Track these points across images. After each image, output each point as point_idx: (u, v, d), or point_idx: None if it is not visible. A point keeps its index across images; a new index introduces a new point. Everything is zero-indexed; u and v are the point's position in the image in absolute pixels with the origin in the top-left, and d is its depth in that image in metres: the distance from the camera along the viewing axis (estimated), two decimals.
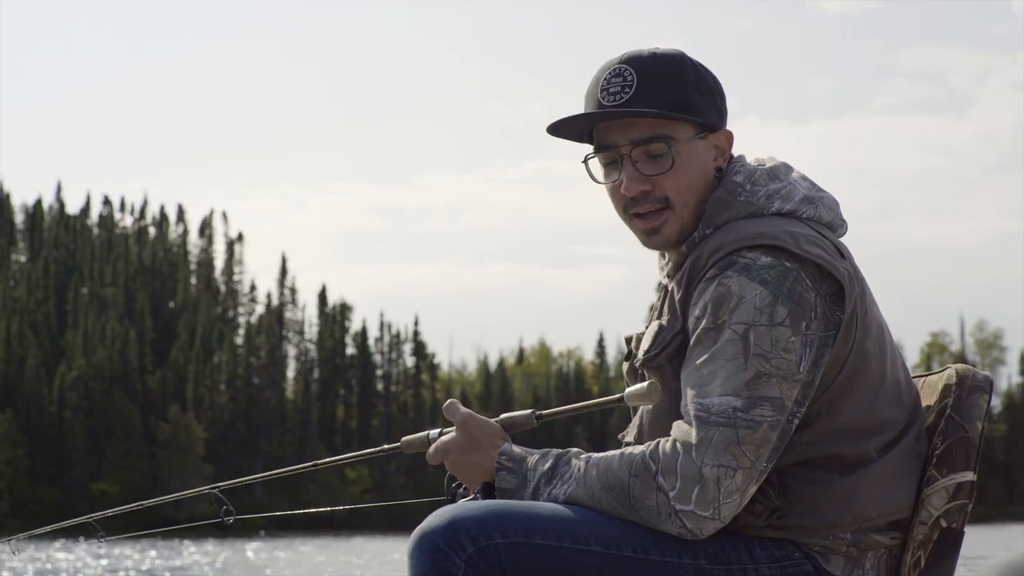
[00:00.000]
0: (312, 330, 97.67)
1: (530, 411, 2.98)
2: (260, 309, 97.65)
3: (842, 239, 2.98)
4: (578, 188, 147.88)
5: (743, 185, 2.92)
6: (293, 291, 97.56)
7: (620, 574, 2.71)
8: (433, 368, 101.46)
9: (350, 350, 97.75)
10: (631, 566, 2.71)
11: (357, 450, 3.63)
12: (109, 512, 3.75)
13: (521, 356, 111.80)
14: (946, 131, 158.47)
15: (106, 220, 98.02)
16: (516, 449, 2.89)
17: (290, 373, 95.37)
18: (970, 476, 2.90)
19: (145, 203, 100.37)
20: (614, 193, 2.98)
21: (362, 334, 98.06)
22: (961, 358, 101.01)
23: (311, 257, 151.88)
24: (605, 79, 2.94)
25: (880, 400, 2.85)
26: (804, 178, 2.98)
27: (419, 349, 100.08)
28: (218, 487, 3.46)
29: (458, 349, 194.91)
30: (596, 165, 3.02)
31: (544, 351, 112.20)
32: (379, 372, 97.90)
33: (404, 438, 3.14)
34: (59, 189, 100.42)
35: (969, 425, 2.92)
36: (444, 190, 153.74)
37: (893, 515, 2.84)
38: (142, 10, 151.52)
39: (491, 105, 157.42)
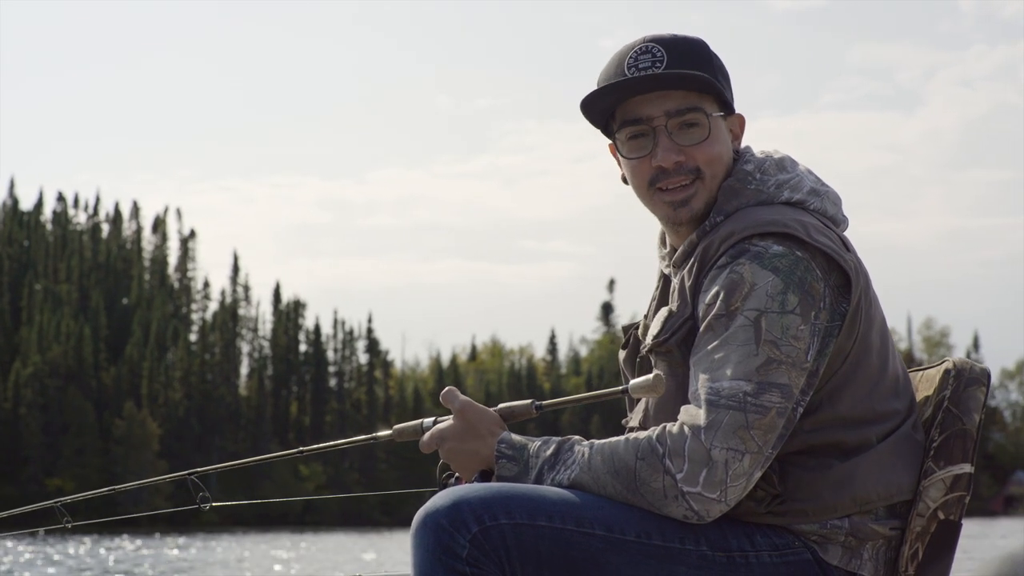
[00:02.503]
0: (266, 327, 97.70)
1: (529, 401, 2.97)
2: (214, 306, 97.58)
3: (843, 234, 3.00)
4: (527, 183, 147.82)
5: (753, 174, 2.95)
6: (246, 288, 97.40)
7: (623, 558, 2.72)
8: (386, 365, 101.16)
9: (304, 347, 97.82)
10: (634, 550, 2.72)
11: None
12: (76, 497, 3.72)
13: (474, 353, 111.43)
14: (894, 128, 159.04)
15: (60, 217, 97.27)
16: (516, 437, 2.89)
17: (243, 370, 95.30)
18: (968, 468, 2.91)
19: (98, 200, 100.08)
20: (639, 168, 2.97)
21: (316, 331, 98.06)
22: (908, 356, 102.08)
23: (258, 251, 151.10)
24: (632, 57, 2.94)
25: (880, 391, 2.88)
26: (810, 172, 3.01)
27: (372, 346, 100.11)
28: (194, 473, 3.46)
29: (411, 346, 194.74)
30: (619, 147, 3.02)
31: (496, 348, 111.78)
32: (332, 369, 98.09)
33: (396, 426, 3.10)
34: (12, 185, 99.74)
35: (967, 418, 2.95)
36: (392, 185, 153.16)
37: (893, 498, 2.86)
38: (93, 8, 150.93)
39: (439, 100, 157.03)
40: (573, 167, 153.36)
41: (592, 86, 3.02)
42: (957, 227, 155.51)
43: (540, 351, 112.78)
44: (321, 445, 3.26)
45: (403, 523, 76.07)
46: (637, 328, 3.12)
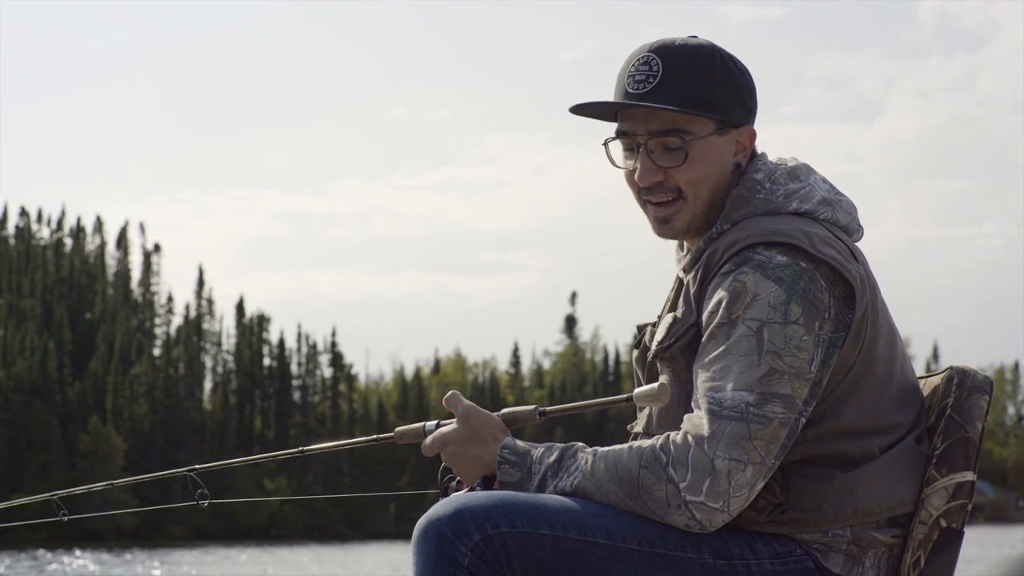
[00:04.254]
0: (230, 341, 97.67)
1: (533, 407, 2.95)
2: (178, 320, 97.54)
3: (858, 244, 3.00)
4: (486, 195, 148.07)
5: (762, 183, 2.92)
6: (210, 302, 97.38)
7: (625, 566, 2.71)
8: (350, 379, 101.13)
9: (268, 361, 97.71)
10: (636, 559, 2.71)
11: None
12: (72, 491, 3.75)
13: (437, 366, 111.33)
14: (853, 139, 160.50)
15: (23, 231, 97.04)
16: (519, 443, 2.86)
17: (208, 384, 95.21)
18: (970, 476, 2.89)
19: (62, 214, 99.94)
20: (629, 179, 2.98)
21: (280, 345, 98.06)
22: None
23: (218, 263, 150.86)
24: (634, 65, 2.93)
25: (885, 403, 2.87)
26: (824, 181, 2.98)
27: (336, 360, 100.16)
28: (194, 469, 3.45)
29: (375, 359, 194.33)
30: (616, 147, 3.01)
31: (459, 361, 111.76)
32: (296, 383, 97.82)
33: (397, 428, 3.09)
34: None
35: (969, 425, 2.92)
36: (350, 198, 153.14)
37: (894, 510, 2.84)
38: (52, 23, 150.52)
39: (398, 112, 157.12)
40: (533, 179, 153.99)
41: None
42: (916, 237, 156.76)
43: (503, 364, 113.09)
44: (323, 445, 3.26)
45: (367, 536, 76.23)
46: (650, 328, 3.09)
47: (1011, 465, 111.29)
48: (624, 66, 2.95)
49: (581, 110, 2.97)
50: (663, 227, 2.95)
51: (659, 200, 2.93)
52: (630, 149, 2.96)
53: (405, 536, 73.02)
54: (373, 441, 3.16)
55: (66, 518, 3.73)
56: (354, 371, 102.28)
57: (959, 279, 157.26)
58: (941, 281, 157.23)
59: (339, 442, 3.24)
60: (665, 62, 2.90)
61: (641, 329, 3.09)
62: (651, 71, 2.90)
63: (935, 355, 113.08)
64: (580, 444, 2.85)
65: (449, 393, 2.95)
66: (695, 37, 2.99)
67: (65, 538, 66.53)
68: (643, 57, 2.92)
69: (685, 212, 2.93)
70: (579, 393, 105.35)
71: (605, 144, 3.00)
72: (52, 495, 3.73)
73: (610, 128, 3.03)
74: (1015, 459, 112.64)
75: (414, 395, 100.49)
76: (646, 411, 3.00)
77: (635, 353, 3.08)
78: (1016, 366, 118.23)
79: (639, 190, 2.96)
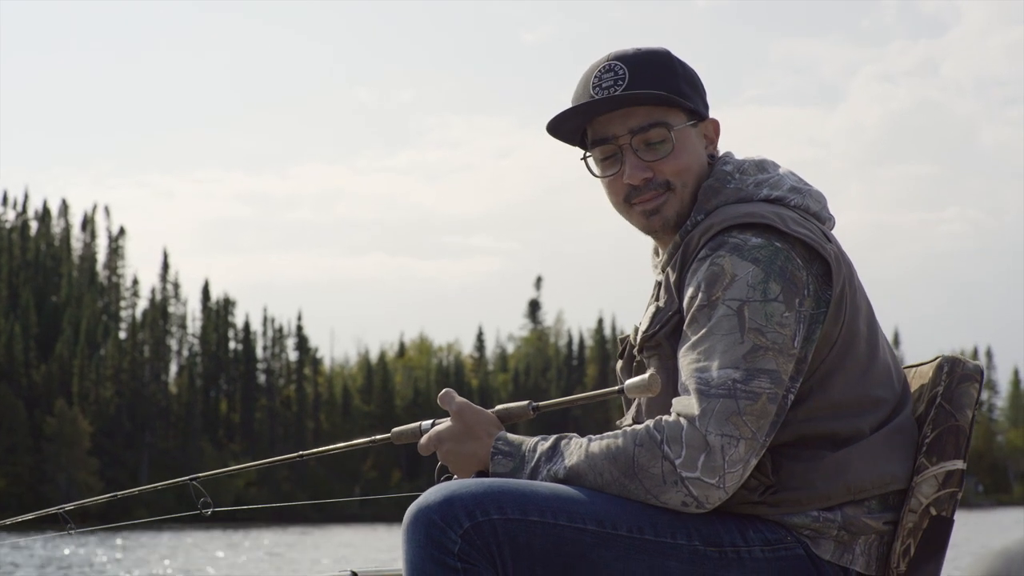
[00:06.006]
0: (195, 324, 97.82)
1: (527, 402, 2.96)
2: (143, 303, 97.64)
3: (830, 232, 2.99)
4: (450, 178, 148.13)
5: (732, 174, 2.95)
6: (176, 286, 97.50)
7: (614, 552, 2.70)
8: (316, 362, 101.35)
9: (233, 344, 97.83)
10: (625, 545, 2.70)
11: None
12: (83, 503, 3.74)
13: (402, 350, 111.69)
14: (816, 123, 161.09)
15: None
16: (512, 436, 2.87)
17: (173, 367, 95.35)
18: (960, 464, 2.90)
19: (27, 197, 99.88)
20: (613, 185, 2.98)
21: (245, 329, 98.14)
22: None
23: (181, 245, 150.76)
24: (596, 76, 2.95)
25: (871, 378, 2.86)
26: (792, 173, 3.01)
27: (302, 344, 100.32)
28: (196, 478, 3.47)
29: (340, 343, 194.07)
30: (592, 163, 3.03)
31: (425, 345, 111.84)
32: (261, 366, 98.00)
33: (394, 429, 3.09)
34: None
35: (959, 414, 2.93)
36: (313, 180, 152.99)
37: (887, 486, 2.84)
38: (15, 4, 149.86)
39: (361, 94, 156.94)
40: (496, 162, 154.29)
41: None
42: (878, 222, 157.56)
43: (468, 348, 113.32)
44: (321, 449, 3.27)
45: (333, 518, 76.48)
46: (633, 329, 3.10)
47: (971, 450, 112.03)
48: (582, 84, 2.99)
49: (556, 127, 3.00)
50: (653, 218, 2.97)
51: (649, 196, 2.95)
52: (610, 156, 2.98)
53: (370, 519, 73.41)
54: (370, 443, 3.17)
55: (73, 532, 3.77)
56: (319, 355, 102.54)
57: (921, 263, 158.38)
58: (903, 265, 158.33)
59: (338, 445, 3.24)
60: (629, 66, 2.94)
61: (623, 341, 3.12)
62: (617, 76, 2.93)
63: (896, 340, 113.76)
64: (573, 434, 2.86)
65: (443, 391, 2.96)
66: (640, 46, 3.03)
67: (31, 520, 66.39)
68: (605, 65, 2.96)
69: (673, 202, 2.95)
70: (543, 377, 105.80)
71: (584, 159, 3.04)
72: (59, 508, 3.77)
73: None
74: (976, 444, 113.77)
75: (379, 379, 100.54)
76: (635, 404, 3.03)
77: (619, 364, 3.10)
78: (976, 351, 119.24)
79: (627, 195, 2.98)
